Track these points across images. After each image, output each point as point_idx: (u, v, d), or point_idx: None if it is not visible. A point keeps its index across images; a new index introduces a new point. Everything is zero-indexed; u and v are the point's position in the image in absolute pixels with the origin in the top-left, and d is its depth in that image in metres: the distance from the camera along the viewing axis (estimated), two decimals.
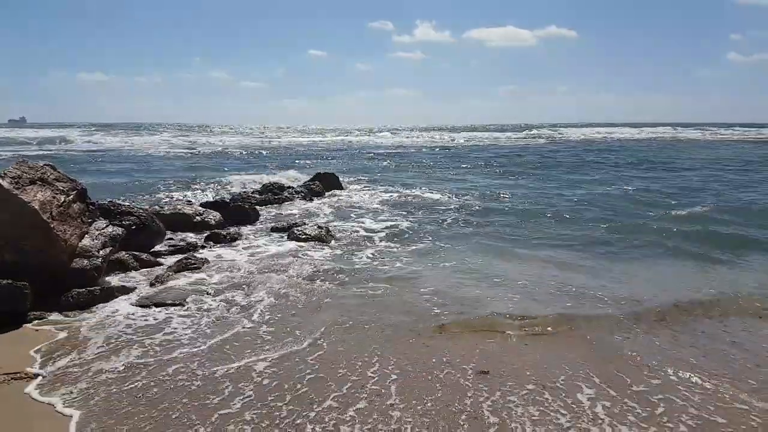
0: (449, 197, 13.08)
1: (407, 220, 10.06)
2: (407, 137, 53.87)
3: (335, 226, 9.45)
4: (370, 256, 7.50)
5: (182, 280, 6.32)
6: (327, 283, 6.26)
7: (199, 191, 13.98)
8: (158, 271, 6.69)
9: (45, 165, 6.26)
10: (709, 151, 32.23)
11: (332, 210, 11.41)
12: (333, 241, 8.34)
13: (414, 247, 7.97)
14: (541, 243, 8.35)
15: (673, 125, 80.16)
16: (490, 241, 8.42)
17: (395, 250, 7.85)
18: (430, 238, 8.54)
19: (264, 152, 32.00)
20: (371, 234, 8.90)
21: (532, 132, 63.11)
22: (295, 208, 11.63)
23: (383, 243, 8.28)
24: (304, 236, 8.43)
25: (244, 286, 6.09)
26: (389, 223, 9.73)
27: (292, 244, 8.11)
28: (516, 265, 7.07)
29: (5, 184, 5.54)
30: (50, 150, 31.60)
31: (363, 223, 9.85)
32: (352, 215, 10.65)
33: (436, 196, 13.29)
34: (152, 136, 47.88)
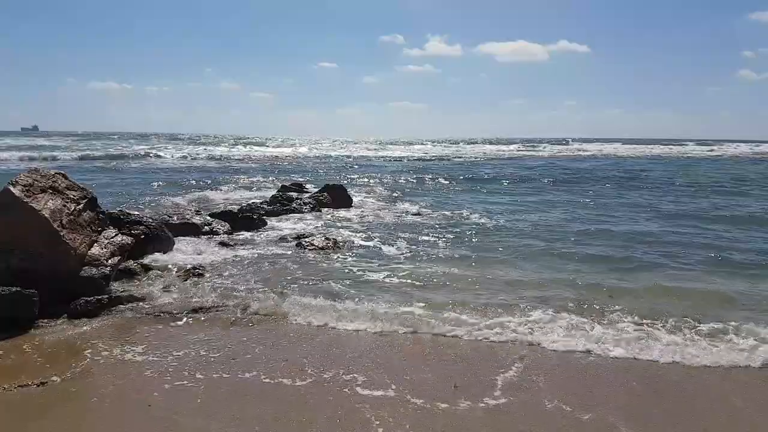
0: (467, 214, 12.77)
1: (414, 236, 9.98)
2: (417, 150, 53.77)
3: (342, 237, 9.41)
4: (378, 267, 7.46)
5: (189, 290, 6.30)
6: (331, 295, 6.22)
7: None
8: (166, 280, 6.68)
9: (56, 173, 6.31)
10: None
11: (340, 222, 11.38)
12: (340, 253, 8.31)
13: (420, 264, 7.90)
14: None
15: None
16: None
17: (403, 263, 7.80)
18: (438, 256, 8.27)
19: (275, 163, 32.14)
20: (378, 247, 8.84)
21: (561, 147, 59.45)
22: (303, 219, 11.62)
23: (390, 255, 8.24)
24: (311, 247, 8.43)
25: (250, 297, 6.04)
26: (396, 237, 9.67)
27: (300, 254, 8.10)
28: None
29: (17, 191, 5.58)
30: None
31: (369, 236, 9.80)
32: (358, 228, 10.61)
33: (448, 213, 13.02)
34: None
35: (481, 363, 4.47)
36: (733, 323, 5.21)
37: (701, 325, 5.24)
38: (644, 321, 5.31)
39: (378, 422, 3.51)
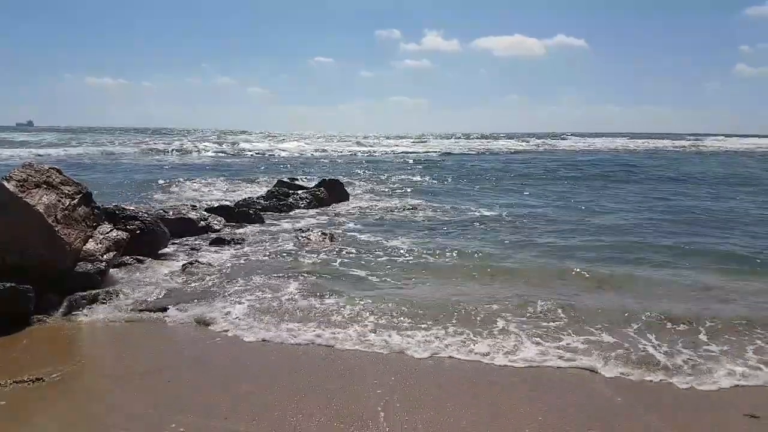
0: (463, 209, 12.85)
1: (409, 231, 10.00)
2: (415, 146, 53.60)
3: (339, 233, 9.42)
4: (373, 264, 7.47)
5: (185, 285, 6.31)
6: (326, 289, 6.23)
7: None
8: (162, 275, 6.68)
9: (50, 168, 6.28)
10: None
11: (336, 217, 11.40)
12: (336, 248, 8.30)
13: (413, 261, 7.87)
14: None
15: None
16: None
17: (397, 261, 7.81)
18: (432, 256, 8.04)
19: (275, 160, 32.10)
20: (373, 242, 8.86)
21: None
22: (299, 215, 11.63)
23: (386, 253, 8.24)
24: (308, 242, 8.44)
25: (243, 292, 6.05)
26: (391, 232, 9.70)
27: (296, 250, 8.10)
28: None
29: (10, 187, 5.56)
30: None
31: (365, 231, 9.81)
32: (355, 223, 10.62)
33: (445, 208, 13.04)
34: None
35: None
36: None
37: None
38: None
39: None
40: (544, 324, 5.13)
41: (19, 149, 34.04)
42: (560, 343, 4.70)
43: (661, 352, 4.53)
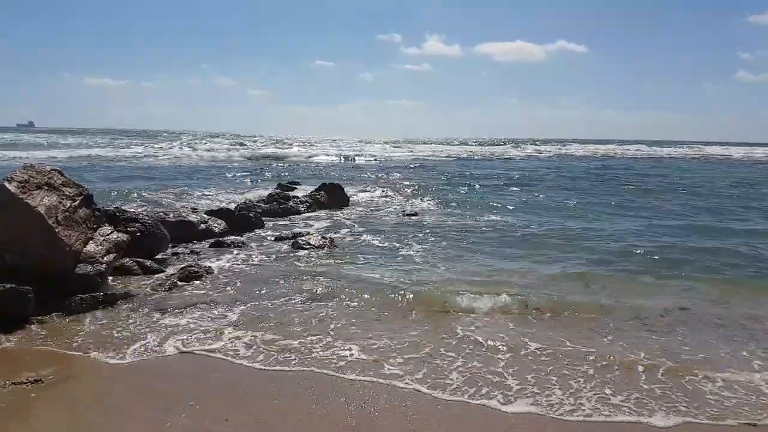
0: (463, 215, 12.88)
1: (407, 237, 9.97)
2: (416, 150, 53.56)
3: (339, 237, 9.42)
4: (372, 266, 7.47)
5: (185, 288, 6.31)
6: (327, 294, 6.22)
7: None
8: (162, 278, 6.68)
9: (52, 170, 6.28)
10: None
11: (336, 221, 11.39)
12: (337, 252, 8.30)
13: (407, 269, 7.78)
14: None
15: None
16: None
17: (395, 262, 7.80)
18: (427, 262, 7.82)
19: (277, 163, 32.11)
20: (371, 247, 8.86)
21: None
22: (299, 218, 11.63)
23: (383, 254, 8.24)
24: (308, 246, 8.44)
25: (243, 296, 6.05)
26: (389, 237, 9.69)
27: (296, 254, 8.10)
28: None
29: (12, 188, 5.57)
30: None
31: (364, 235, 9.81)
32: (355, 227, 10.62)
33: (445, 214, 13.11)
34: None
35: None
36: None
37: None
38: None
39: None
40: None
41: (17, 150, 34.10)
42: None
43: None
